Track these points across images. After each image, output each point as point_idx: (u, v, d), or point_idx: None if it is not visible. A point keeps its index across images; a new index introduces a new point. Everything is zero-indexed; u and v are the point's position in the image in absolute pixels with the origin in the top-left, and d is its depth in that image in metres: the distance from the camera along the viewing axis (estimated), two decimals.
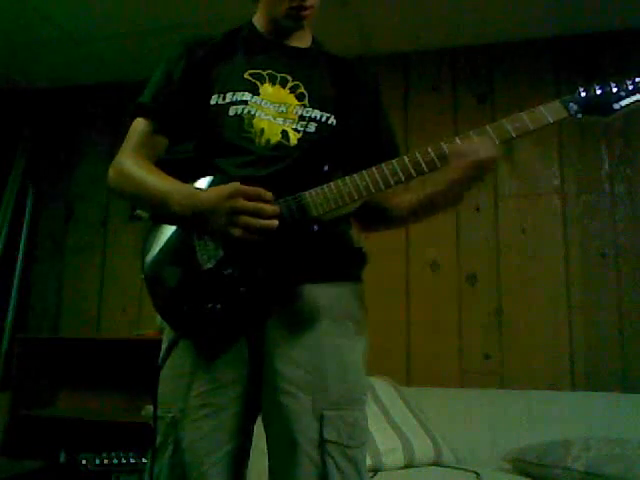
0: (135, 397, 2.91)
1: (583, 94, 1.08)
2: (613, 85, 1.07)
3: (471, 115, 2.89)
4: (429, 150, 1.08)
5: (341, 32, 2.83)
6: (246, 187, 1.04)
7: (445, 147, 1.08)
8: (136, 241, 3.12)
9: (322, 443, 1.05)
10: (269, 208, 1.04)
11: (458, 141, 1.08)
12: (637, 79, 1.06)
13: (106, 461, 2.59)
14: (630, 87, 1.06)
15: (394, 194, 1.23)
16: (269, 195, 1.05)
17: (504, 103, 2.86)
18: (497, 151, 1.07)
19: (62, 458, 2.70)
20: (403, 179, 1.08)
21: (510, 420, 2.32)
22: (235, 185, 1.04)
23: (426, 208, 1.23)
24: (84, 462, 2.58)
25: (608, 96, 1.07)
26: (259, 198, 1.04)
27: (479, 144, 1.07)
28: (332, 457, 1.05)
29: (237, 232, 1.03)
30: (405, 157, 1.08)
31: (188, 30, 2.79)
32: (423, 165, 1.08)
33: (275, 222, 1.03)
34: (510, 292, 2.72)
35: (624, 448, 1.93)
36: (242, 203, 1.03)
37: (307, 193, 1.07)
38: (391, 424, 2.19)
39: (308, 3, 1.18)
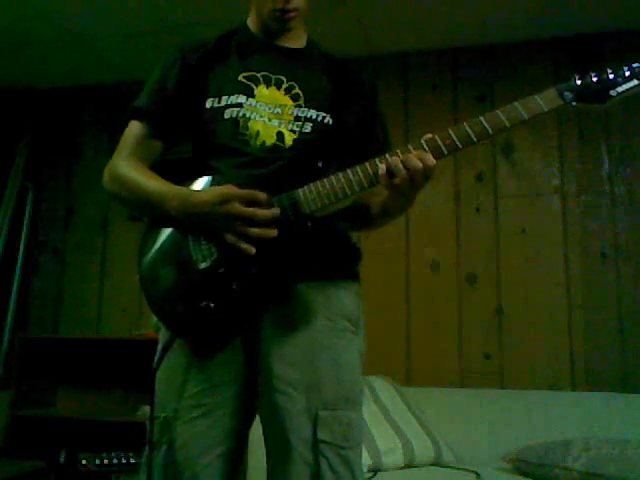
0: (135, 397, 2.91)
1: (579, 82, 1.06)
2: (609, 72, 1.05)
3: (471, 115, 2.85)
4: (422, 143, 1.08)
5: (341, 32, 2.82)
6: (240, 190, 1.04)
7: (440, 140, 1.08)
8: (136, 241, 3.11)
9: (316, 443, 1.05)
10: (263, 213, 1.04)
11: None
12: (634, 65, 1.04)
13: (106, 461, 2.59)
14: (627, 73, 1.04)
15: (375, 192, 1.20)
16: (263, 196, 1.05)
17: (504, 103, 2.84)
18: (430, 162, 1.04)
19: (62, 458, 2.70)
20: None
21: (510, 420, 2.32)
22: (229, 188, 1.05)
23: (386, 210, 1.21)
24: (84, 462, 2.58)
25: (604, 83, 1.05)
26: (253, 201, 1.04)
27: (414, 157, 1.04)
28: (326, 457, 1.04)
29: (232, 239, 1.04)
30: (398, 150, 1.07)
31: (188, 30, 2.80)
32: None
33: (273, 232, 1.03)
34: (510, 292, 2.72)
35: (624, 448, 1.93)
36: (237, 208, 1.03)
37: (300, 190, 1.07)
38: (391, 424, 2.19)
39: (291, 6, 1.17)
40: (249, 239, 1.04)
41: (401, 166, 1.03)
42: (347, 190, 1.07)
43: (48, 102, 3.54)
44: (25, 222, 3.31)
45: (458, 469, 2.09)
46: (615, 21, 2.75)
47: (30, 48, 3.10)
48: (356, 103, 1.26)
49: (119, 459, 2.60)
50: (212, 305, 1.06)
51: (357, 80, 1.30)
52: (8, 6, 2.73)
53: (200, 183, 1.14)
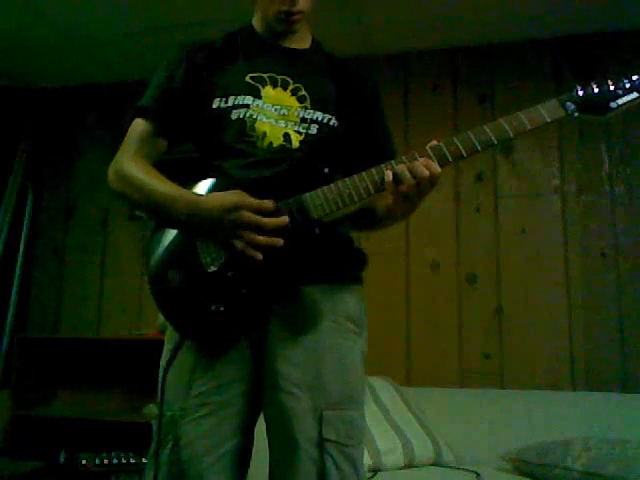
0: (135, 397, 2.91)
1: (580, 93, 1.07)
2: (610, 83, 1.06)
3: (471, 115, 2.89)
4: (428, 151, 1.08)
5: (341, 32, 2.83)
6: (249, 199, 1.05)
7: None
8: (136, 241, 3.12)
9: (321, 442, 1.06)
10: (271, 222, 1.04)
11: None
12: (634, 77, 1.05)
13: (106, 461, 2.59)
14: (627, 85, 1.05)
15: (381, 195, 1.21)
16: (271, 206, 1.05)
17: (504, 103, 2.86)
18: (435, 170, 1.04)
19: (62, 458, 2.70)
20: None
21: (510, 420, 2.32)
22: (238, 195, 1.05)
23: (391, 214, 1.22)
24: (84, 462, 2.58)
25: (605, 95, 1.06)
26: (260, 212, 1.04)
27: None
28: (331, 456, 1.06)
29: (240, 246, 1.05)
30: (404, 157, 1.08)
31: (188, 30, 2.80)
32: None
33: (280, 241, 1.04)
34: (510, 292, 2.72)
35: (624, 448, 1.93)
36: (246, 216, 1.04)
37: (307, 195, 1.08)
38: (391, 424, 2.19)
39: (296, 8, 1.18)
40: (256, 246, 1.04)
41: (407, 173, 1.04)
42: (354, 196, 1.07)
43: (48, 102, 3.54)
44: (25, 222, 3.31)
45: (458, 469, 2.09)
46: (615, 21, 2.74)
47: (30, 48, 3.10)
48: (359, 103, 1.27)
49: (119, 459, 2.60)
50: (222, 308, 1.07)
51: (359, 80, 1.30)
52: (8, 6, 2.73)
53: (205, 185, 1.14)
